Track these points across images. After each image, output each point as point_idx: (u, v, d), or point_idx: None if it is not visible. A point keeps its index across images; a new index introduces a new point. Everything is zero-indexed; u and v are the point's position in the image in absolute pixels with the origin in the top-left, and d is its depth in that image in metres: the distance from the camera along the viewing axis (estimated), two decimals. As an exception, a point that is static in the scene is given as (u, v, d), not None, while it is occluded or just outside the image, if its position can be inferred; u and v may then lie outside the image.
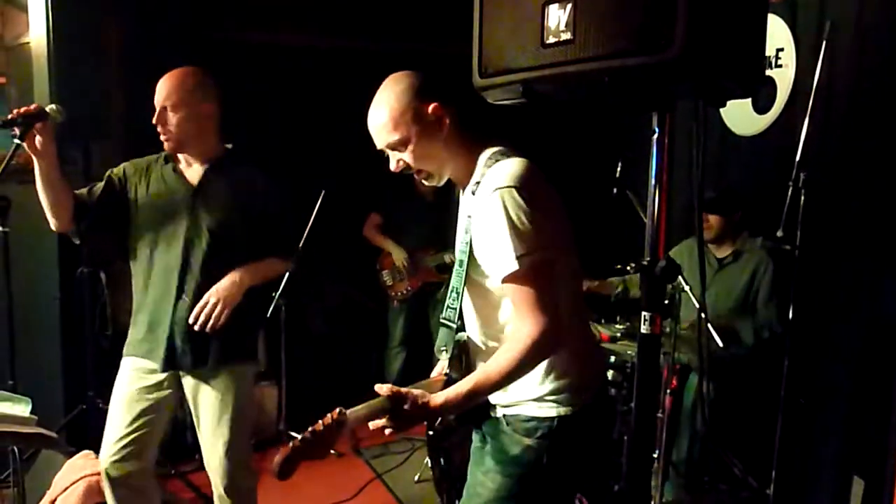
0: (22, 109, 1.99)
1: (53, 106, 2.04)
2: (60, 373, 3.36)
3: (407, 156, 1.63)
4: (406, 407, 1.50)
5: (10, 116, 1.98)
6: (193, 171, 2.37)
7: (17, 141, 1.97)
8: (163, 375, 2.34)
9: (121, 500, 2.38)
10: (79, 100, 2.05)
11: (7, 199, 2.86)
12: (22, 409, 1.48)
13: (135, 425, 2.32)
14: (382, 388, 1.51)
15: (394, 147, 1.63)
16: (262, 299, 2.60)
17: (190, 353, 2.32)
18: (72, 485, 2.57)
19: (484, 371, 1.54)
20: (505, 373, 1.51)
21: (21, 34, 3.22)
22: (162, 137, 2.27)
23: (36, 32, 3.13)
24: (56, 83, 3.16)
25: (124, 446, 2.32)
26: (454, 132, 1.63)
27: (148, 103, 2.26)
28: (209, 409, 2.37)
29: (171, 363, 2.33)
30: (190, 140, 2.29)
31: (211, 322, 2.24)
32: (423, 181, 1.71)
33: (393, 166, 1.67)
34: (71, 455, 2.61)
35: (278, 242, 2.45)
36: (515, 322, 1.54)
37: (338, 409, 1.43)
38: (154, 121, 2.24)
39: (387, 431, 1.53)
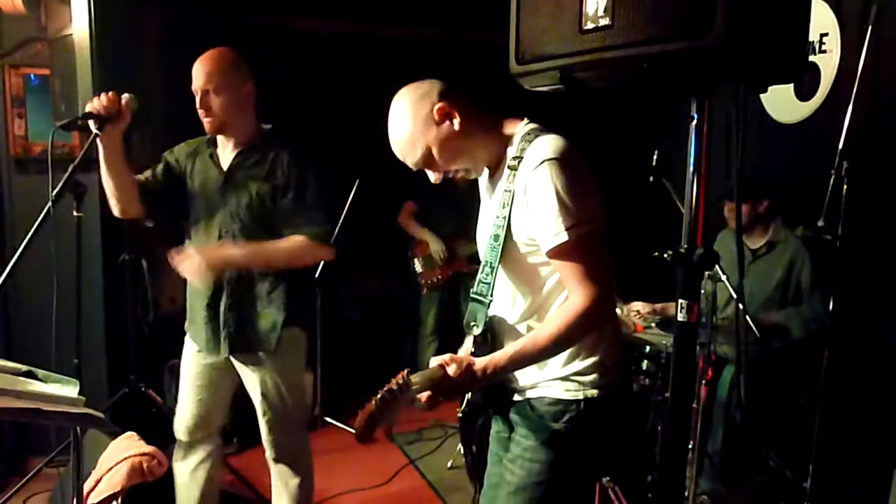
0: (104, 101, 2.04)
1: (128, 96, 2.10)
2: (105, 357, 3.45)
3: (439, 163, 1.64)
4: (452, 371, 1.50)
5: (89, 109, 2.03)
6: (227, 155, 2.37)
7: (95, 130, 2.03)
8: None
9: (185, 463, 2.54)
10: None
11: (84, 185, 2.86)
12: (70, 390, 1.52)
13: (196, 399, 2.47)
14: (437, 360, 1.54)
15: (424, 163, 1.64)
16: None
17: (227, 338, 2.35)
18: (116, 465, 2.63)
19: (532, 337, 1.53)
20: (553, 340, 1.50)
21: (64, 27, 3.29)
22: (205, 121, 2.28)
23: (78, 25, 3.20)
24: (98, 74, 3.23)
25: (191, 416, 2.48)
26: (471, 120, 1.62)
27: (188, 92, 2.29)
28: (254, 378, 2.42)
29: (211, 347, 2.39)
30: (232, 121, 2.30)
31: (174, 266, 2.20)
32: (464, 178, 1.72)
33: (433, 178, 1.68)
34: (116, 436, 2.68)
35: (299, 216, 2.30)
36: (569, 293, 1.52)
37: (405, 371, 1.46)
38: (198, 105, 2.26)
39: (426, 399, 1.54)
